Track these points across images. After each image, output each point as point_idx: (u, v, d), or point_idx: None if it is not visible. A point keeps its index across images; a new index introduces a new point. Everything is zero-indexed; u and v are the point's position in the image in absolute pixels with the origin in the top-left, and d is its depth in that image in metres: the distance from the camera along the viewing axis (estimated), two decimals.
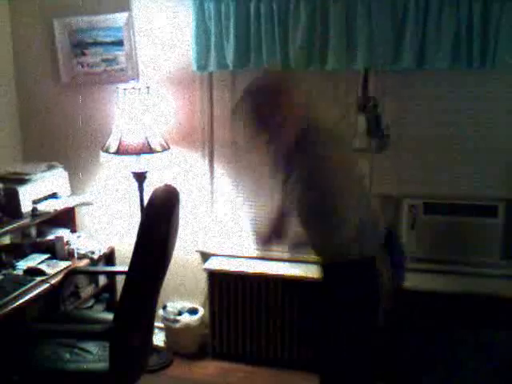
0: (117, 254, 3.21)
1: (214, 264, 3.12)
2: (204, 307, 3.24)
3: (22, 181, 2.80)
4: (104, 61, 3.11)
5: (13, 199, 2.73)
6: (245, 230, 3.20)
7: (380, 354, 2.48)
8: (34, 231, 3.04)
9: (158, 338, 3.26)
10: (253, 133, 2.11)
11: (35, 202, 2.85)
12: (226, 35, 2.77)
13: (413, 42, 2.56)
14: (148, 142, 2.81)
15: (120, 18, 3.01)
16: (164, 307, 3.23)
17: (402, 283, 2.20)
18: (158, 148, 2.85)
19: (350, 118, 2.78)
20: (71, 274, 2.76)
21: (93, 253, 3.02)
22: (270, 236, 2.33)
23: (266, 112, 2.00)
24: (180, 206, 2.23)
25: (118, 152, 2.80)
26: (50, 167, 3.01)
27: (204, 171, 3.15)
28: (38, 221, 2.86)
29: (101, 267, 3.16)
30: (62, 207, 2.97)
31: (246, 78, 2.91)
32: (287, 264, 3.01)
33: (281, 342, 3.03)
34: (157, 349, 3.15)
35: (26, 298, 2.51)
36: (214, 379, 3.01)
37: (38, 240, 3.02)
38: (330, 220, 1.99)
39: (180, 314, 3.21)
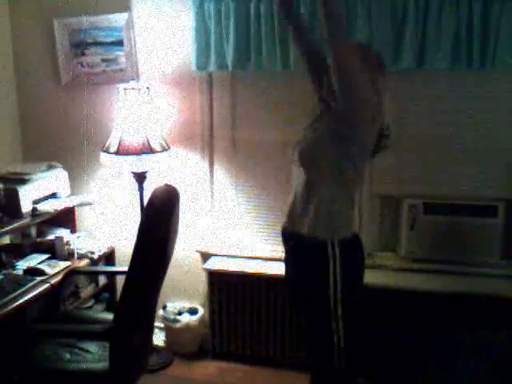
0: (117, 254, 3.21)
1: (214, 264, 3.12)
2: (204, 307, 3.24)
3: (22, 181, 2.80)
4: (104, 61, 3.11)
5: (13, 199, 2.73)
6: (245, 230, 3.20)
7: (377, 353, 2.49)
8: (33, 231, 3.04)
9: (158, 338, 3.27)
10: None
11: (35, 202, 2.85)
12: (225, 35, 2.77)
13: (413, 42, 2.56)
14: (148, 142, 2.82)
15: (120, 18, 3.02)
16: (164, 307, 3.23)
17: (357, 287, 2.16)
18: (158, 148, 2.86)
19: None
20: (71, 274, 2.76)
21: (93, 253, 3.02)
22: None
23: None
24: (180, 206, 2.24)
25: (118, 152, 2.80)
26: (50, 167, 3.01)
27: (204, 171, 3.15)
28: (37, 221, 2.86)
29: (101, 267, 3.16)
30: (62, 207, 2.97)
31: (246, 78, 2.93)
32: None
33: (281, 342, 3.04)
34: (157, 349, 3.15)
35: (26, 298, 2.51)
36: (213, 379, 3.02)
37: (38, 240, 3.02)
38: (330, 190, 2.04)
39: (180, 313, 3.22)
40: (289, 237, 2.18)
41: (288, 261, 2.26)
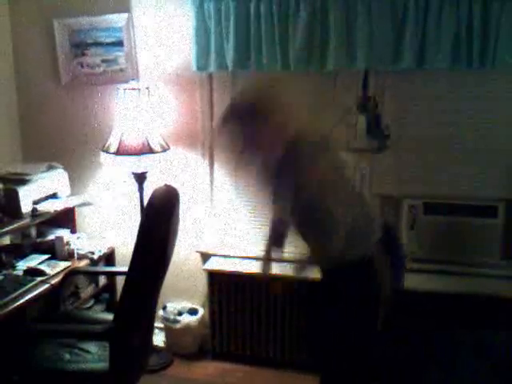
0: (117, 255, 3.21)
1: (214, 264, 3.12)
2: (204, 307, 3.24)
3: (22, 181, 2.80)
4: (104, 61, 3.11)
5: (13, 199, 2.73)
6: (245, 231, 3.20)
7: (378, 354, 2.48)
8: (34, 231, 3.04)
9: (158, 339, 3.27)
10: (238, 151, 2.09)
11: (35, 202, 2.85)
12: (225, 35, 2.77)
13: (413, 42, 2.56)
14: (148, 143, 2.82)
15: (120, 19, 3.02)
16: (164, 307, 3.23)
17: (401, 283, 2.20)
18: (158, 148, 2.86)
19: (351, 118, 2.79)
20: (71, 274, 2.77)
21: (93, 253, 3.02)
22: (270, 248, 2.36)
23: (249, 133, 1.99)
24: (180, 207, 2.24)
25: (118, 152, 2.80)
26: (50, 167, 3.01)
27: (204, 171, 3.15)
28: (37, 221, 2.86)
29: (101, 267, 3.16)
30: (62, 207, 2.97)
31: (246, 78, 2.93)
32: (287, 264, 3.00)
33: (281, 342, 3.04)
34: (157, 349, 3.15)
35: (26, 298, 2.51)
36: (213, 379, 3.02)
37: (38, 240, 3.02)
38: (324, 228, 1.99)
39: (180, 314, 3.21)
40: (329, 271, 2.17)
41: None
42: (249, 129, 1.99)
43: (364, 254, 2.02)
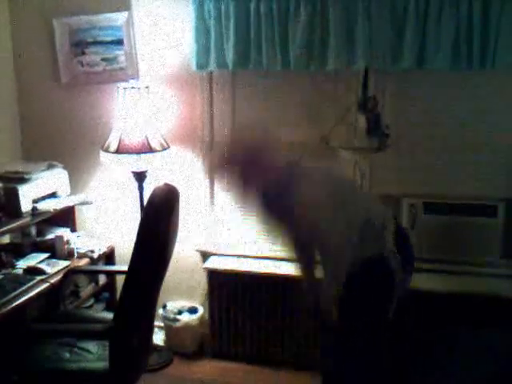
0: (117, 254, 3.21)
1: (214, 263, 3.12)
2: (204, 306, 3.24)
3: (22, 180, 2.80)
4: (104, 60, 3.11)
5: (13, 198, 2.73)
6: (244, 229, 3.20)
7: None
8: (33, 230, 3.04)
9: (158, 338, 3.27)
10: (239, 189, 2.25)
11: (35, 201, 2.85)
12: (225, 35, 2.77)
13: (413, 42, 2.56)
14: (148, 142, 2.82)
15: (120, 18, 3.01)
16: (164, 306, 3.23)
17: (409, 282, 2.21)
18: (158, 147, 2.85)
19: (351, 117, 2.79)
20: (71, 273, 2.76)
21: (92, 252, 3.02)
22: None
23: (251, 172, 2.13)
24: (180, 205, 2.24)
25: (118, 151, 2.80)
26: (50, 166, 3.01)
27: (204, 170, 3.15)
28: (37, 220, 2.86)
29: (101, 266, 3.16)
30: (62, 206, 2.97)
31: (246, 77, 2.93)
32: (287, 264, 3.00)
33: (280, 342, 3.04)
34: (157, 348, 3.15)
35: (26, 297, 2.51)
36: (213, 378, 3.02)
37: (38, 239, 3.02)
38: (329, 253, 2.10)
39: (180, 313, 3.22)
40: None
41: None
42: (247, 172, 2.14)
43: (379, 253, 2.05)
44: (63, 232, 3.03)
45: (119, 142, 2.80)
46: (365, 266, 2.04)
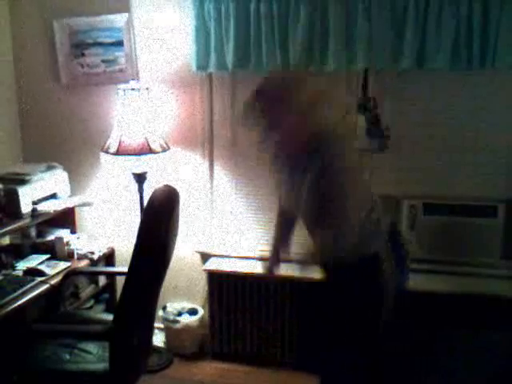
0: (117, 255, 3.21)
1: (214, 264, 3.12)
2: (204, 308, 3.24)
3: (22, 181, 2.80)
4: (104, 61, 3.11)
5: (13, 200, 2.73)
6: (245, 231, 3.20)
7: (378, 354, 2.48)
8: (33, 232, 3.04)
9: (158, 339, 3.26)
10: (263, 134, 2.03)
11: (35, 202, 2.85)
12: (225, 36, 2.77)
13: (413, 42, 2.56)
14: (148, 143, 2.82)
15: (120, 19, 3.01)
16: (164, 308, 3.23)
17: (405, 282, 2.20)
18: (158, 148, 2.85)
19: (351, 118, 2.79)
20: (71, 274, 2.76)
21: (93, 253, 3.02)
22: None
23: (279, 113, 1.94)
24: (180, 207, 2.24)
25: (117, 152, 2.80)
26: (50, 168, 3.01)
27: (204, 171, 3.15)
28: (37, 221, 2.86)
29: (101, 268, 3.16)
30: (62, 208, 2.97)
31: (246, 78, 2.93)
32: (287, 264, 3.00)
33: (280, 343, 3.03)
34: (157, 349, 3.15)
35: (26, 298, 2.52)
36: (213, 379, 3.01)
37: (38, 240, 3.02)
38: (335, 220, 1.96)
39: (180, 314, 3.21)
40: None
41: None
42: (274, 116, 1.94)
43: (374, 252, 2.03)
44: (63, 233, 3.04)
45: (119, 144, 2.80)
46: (358, 263, 2.00)
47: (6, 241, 3.03)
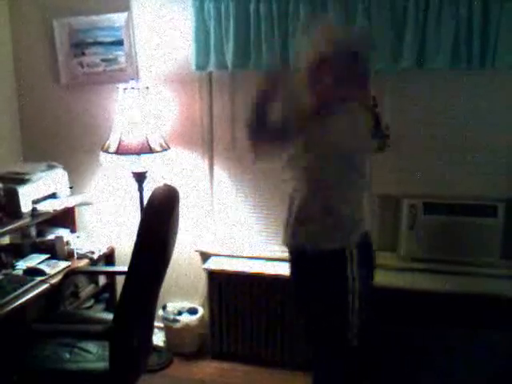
0: (116, 254, 3.21)
1: (214, 264, 3.12)
2: (204, 307, 3.24)
3: (22, 181, 2.79)
4: (104, 61, 3.11)
5: (12, 199, 2.73)
6: (245, 230, 3.20)
7: (375, 354, 2.49)
8: (33, 231, 3.04)
9: (158, 338, 3.26)
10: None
11: (35, 201, 2.85)
12: (225, 35, 2.77)
13: (413, 42, 2.56)
14: (148, 142, 2.82)
15: (120, 18, 3.01)
16: (164, 307, 3.23)
17: (370, 282, 2.19)
18: (158, 148, 2.85)
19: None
20: (71, 274, 2.76)
21: (92, 253, 3.02)
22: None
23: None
24: (180, 206, 2.24)
25: (117, 152, 2.80)
26: (50, 167, 3.01)
27: (203, 171, 3.15)
28: (37, 221, 2.86)
29: (100, 267, 3.16)
30: (62, 207, 2.97)
31: (246, 77, 2.92)
32: (287, 264, 3.00)
33: (280, 342, 3.03)
34: (157, 349, 3.15)
35: (26, 298, 2.51)
36: (213, 379, 3.01)
37: (38, 240, 3.02)
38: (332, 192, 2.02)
39: (180, 313, 3.22)
40: (300, 249, 2.14)
41: (300, 267, 2.22)
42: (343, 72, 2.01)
43: (344, 246, 2.03)
44: (63, 233, 3.04)
45: (119, 143, 2.80)
46: (328, 254, 2.02)
47: (6, 240, 3.03)
